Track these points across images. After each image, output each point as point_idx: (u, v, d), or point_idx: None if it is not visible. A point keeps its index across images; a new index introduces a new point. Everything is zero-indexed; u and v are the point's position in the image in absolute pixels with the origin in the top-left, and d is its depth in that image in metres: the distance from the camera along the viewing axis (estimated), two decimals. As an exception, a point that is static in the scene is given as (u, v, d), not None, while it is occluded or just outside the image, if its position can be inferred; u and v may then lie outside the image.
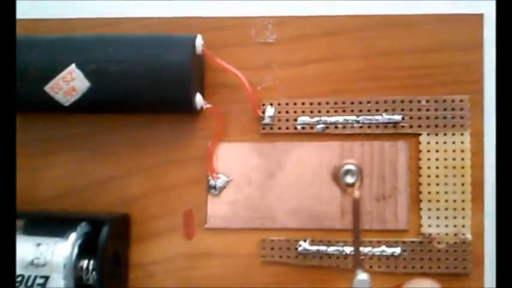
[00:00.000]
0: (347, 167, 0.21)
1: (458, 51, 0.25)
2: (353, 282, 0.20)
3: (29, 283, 0.22)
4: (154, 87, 0.23)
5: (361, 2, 0.26)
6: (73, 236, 0.23)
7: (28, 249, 0.23)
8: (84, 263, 0.23)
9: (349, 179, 0.21)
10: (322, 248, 0.25)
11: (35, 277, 0.22)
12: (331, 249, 0.25)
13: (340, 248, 0.25)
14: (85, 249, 0.23)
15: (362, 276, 0.20)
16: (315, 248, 0.25)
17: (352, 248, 0.24)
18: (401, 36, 0.25)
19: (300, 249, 0.25)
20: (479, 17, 0.25)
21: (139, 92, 0.23)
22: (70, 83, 0.23)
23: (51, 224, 0.24)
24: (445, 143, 0.25)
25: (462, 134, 0.25)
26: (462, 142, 0.25)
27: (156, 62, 0.23)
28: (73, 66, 0.23)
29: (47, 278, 0.22)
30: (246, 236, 0.25)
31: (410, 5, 0.25)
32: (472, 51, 0.25)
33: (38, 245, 0.23)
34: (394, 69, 0.25)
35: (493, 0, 0.25)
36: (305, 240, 0.25)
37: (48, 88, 0.23)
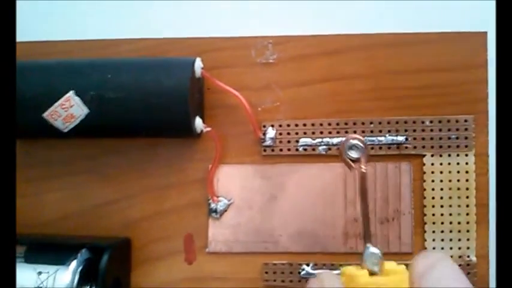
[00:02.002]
0: (351, 141, 0.21)
1: (462, 71, 0.25)
2: (364, 256, 0.19)
3: (31, 313, 0.22)
4: (154, 112, 0.23)
5: (362, 21, 0.25)
6: (74, 263, 0.23)
7: (29, 278, 0.22)
8: (86, 289, 0.23)
9: (354, 154, 0.21)
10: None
11: (37, 307, 0.22)
12: (334, 273, 0.24)
13: (343, 272, 0.24)
14: (86, 276, 0.23)
15: (373, 249, 0.20)
16: (318, 272, 0.24)
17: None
18: (403, 55, 0.25)
19: (302, 273, 0.24)
20: (483, 35, 0.24)
21: (138, 117, 0.23)
22: (68, 110, 0.23)
23: (51, 251, 0.23)
24: (449, 164, 0.24)
25: (466, 155, 0.24)
26: (467, 163, 0.24)
27: (155, 87, 0.23)
28: (71, 93, 0.23)
29: (48, 307, 0.22)
30: (248, 260, 0.25)
31: (413, 23, 0.25)
32: (475, 70, 0.24)
33: (39, 273, 0.23)
34: (397, 89, 0.25)
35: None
36: (308, 264, 0.24)
37: (46, 115, 0.23)
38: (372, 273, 0.19)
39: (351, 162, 0.21)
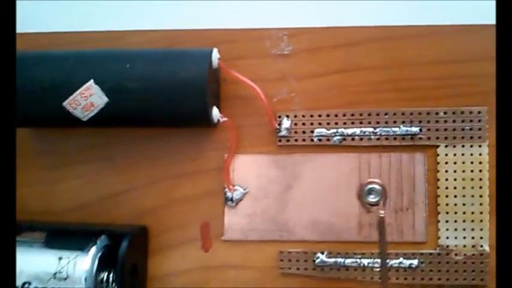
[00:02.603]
0: (370, 186, 0.22)
1: (475, 62, 0.25)
2: None
3: (52, 297, 0.22)
4: (172, 102, 0.23)
5: (376, 13, 0.26)
6: (93, 249, 0.23)
7: (50, 263, 0.23)
8: (104, 275, 0.24)
9: (372, 198, 0.22)
10: (340, 260, 0.25)
11: (58, 291, 0.23)
12: (348, 261, 0.25)
13: (357, 260, 0.25)
14: (105, 262, 0.24)
15: None
16: (332, 260, 0.25)
17: (370, 260, 0.25)
18: (417, 47, 0.25)
19: (317, 261, 0.25)
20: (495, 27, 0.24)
21: (156, 107, 0.23)
22: (88, 99, 0.23)
23: (71, 238, 0.24)
24: (463, 154, 0.24)
25: (480, 146, 0.24)
26: (480, 154, 0.24)
27: (173, 77, 0.23)
28: (91, 82, 0.23)
29: (69, 291, 0.23)
30: (264, 248, 0.25)
31: (426, 15, 0.25)
32: (489, 62, 0.24)
33: (60, 258, 0.23)
34: (411, 81, 0.25)
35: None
36: (322, 253, 0.25)
37: (66, 103, 0.23)
38: None
39: (369, 207, 0.22)
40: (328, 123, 0.25)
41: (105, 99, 0.23)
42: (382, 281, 0.21)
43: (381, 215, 0.21)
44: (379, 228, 0.21)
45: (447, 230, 0.24)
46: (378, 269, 0.24)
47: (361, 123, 0.25)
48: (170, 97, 0.23)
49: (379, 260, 0.22)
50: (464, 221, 0.24)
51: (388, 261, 0.21)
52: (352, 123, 0.25)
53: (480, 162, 0.24)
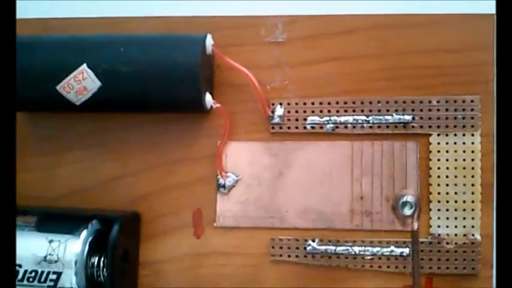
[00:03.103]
0: (405, 198, 0.22)
1: (470, 52, 0.25)
2: None
3: (42, 279, 0.22)
4: (165, 87, 0.23)
5: (370, 2, 0.26)
6: (84, 233, 0.23)
7: (41, 246, 0.23)
8: (95, 259, 0.24)
9: (407, 211, 0.22)
10: (331, 247, 0.25)
11: (48, 273, 0.23)
12: (339, 249, 0.25)
13: (349, 248, 0.25)
14: (96, 247, 0.24)
15: None
16: (323, 247, 0.25)
17: (361, 248, 0.25)
18: (411, 36, 0.25)
19: (308, 248, 0.25)
20: (491, 17, 0.25)
21: (149, 91, 0.23)
22: (81, 83, 0.23)
23: (63, 221, 0.24)
24: (455, 143, 0.24)
25: (473, 135, 0.24)
26: (473, 143, 0.24)
27: (166, 62, 0.23)
28: (84, 66, 0.23)
29: (59, 274, 0.23)
30: (255, 235, 0.25)
31: (421, 4, 0.25)
32: (483, 51, 0.25)
33: (50, 241, 0.23)
34: (404, 69, 0.25)
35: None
36: (314, 240, 0.25)
37: (60, 87, 0.23)
38: None
39: (404, 219, 0.22)
40: (321, 111, 0.25)
41: (98, 83, 0.23)
42: None
43: (415, 228, 0.21)
44: (413, 240, 0.22)
45: (439, 218, 0.24)
46: (368, 257, 0.24)
47: (354, 111, 0.25)
48: (163, 81, 0.23)
49: (411, 271, 0.22)
50: (455, 210, 0.24)
51: (419, 272, 0.21)
52: (345, 111, 0.25)
53: (472, 151, 0.24)
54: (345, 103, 0.25)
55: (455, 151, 0.24)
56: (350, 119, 0.25)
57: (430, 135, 0.25)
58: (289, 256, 0.25)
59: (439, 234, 0.24)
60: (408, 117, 0.25)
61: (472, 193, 0.24)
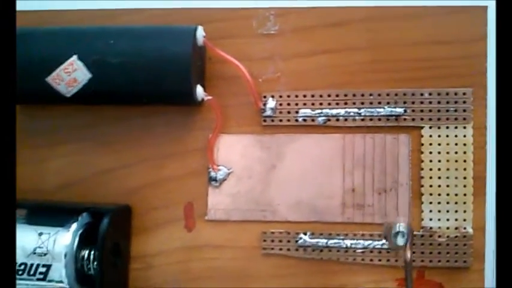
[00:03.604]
0: (397, 228, 0.22)
1: (462, 44, 0.25)
2: None
3: (32, 271, 0.22)
4: (155, 78, 0.23)
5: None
6: (74, 225, 0.23)
7: (30, 239, 0.23)
8: (85, 252, 0.23)
9: (400, 241, 0.22)
10: (322, 241, 0.25)
11: (37, 265, 0.22)
12: (331, 242, 0.25)
13: (340, 241, 0.25)
14: (86, 240, 0.24)
15: None
16: (314, 240, 0.25)
17: (352, 241, 0.25)
18: (404, 28, 0.25)
19: (300, 241, 0.25)
20: (483, 9, 0.24)
21: (140, 83, 0.23)
22: (71, 74, 0.23)
23: (52, 214, 0.24)
24: (447, 136, 0.24)
25: (465, 127, 0.24)
26: (465, 135, 0.24)
27: (157, 53, 0.23)
28: (74, 57, 0.23)
29: (48, 266, 0.22)
30: (247, 228, 0.25)
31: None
32: (475, 44, 0.25)
33: (40, 234, 0.23)
34: (396, 62, 0.25)
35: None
36: (305, 233, 0.25)
37: (50, 79, 0.23)
38: None
39: (396, 248, 0.22)
40: (312, 104, 0.25)
41: (88, 75, 0.23)
42: None
43: (408, 258, 0.21)
44: (406, 270, 0.22)
45: (431, 211, 0.24)
46: (360, 251, 0.24)
47: (345, 103, 0.25)
48: (154, 73, 0.23)
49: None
50: (447, 203, 0.24)
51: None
52: (337, 103, 0.25)
53: (464, 144, 0.24)
54: (337, 96, 0.25)
55: (448, 144, 0.24)
56: (342, 111, 0.25)
57: (422, 127, 0.25)
58: (280, 249, 0.25)
59: (431, 228, 0.24)
60: (400, 110, 0.25)
61: (464, 186, 0.24)
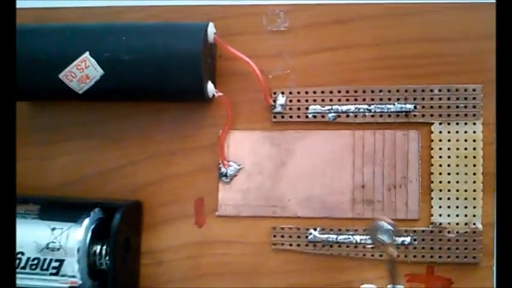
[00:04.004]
0: (381, 225, 0.22)
1: (472, 40, 0.25)
2: None
3: (45, 266, 0.23)
4: (166, 75, 0.23)
5: (373, -10, 0.26)
6: (87, 221, 0.23)
7: (43, 234, 0.23)
8: (98, 248, 0.24)
9: (386, 239, 0.22)
10: (332, 236, 0.25)
11: (50, 260, 0.23)
12: (341, 237, 0.25)
13: (350, 237, 0.25)
14: (98, 235, 0.24)
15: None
16: (324, 236, 0.25)
17: (362, 237, 0.25)
18: (413, 24, 0.25)
19: (310, 237, 0.25)
20: (493, 6, 0.24)
21: (151, 80, 0.23)
22: (84, 71, 0.23)
23: (65, 210, 0.24)
24: (457, 132, 0.24)
25: (474, 124, 0.24)
26: (474, 132, 0.24)
27: (168, 50, 0.23)
28: (87, 54, 0.23)
29: (61, 261, 0.23)
30: (257, 224, 0.25)
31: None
32: (485, 40, 0.25)
33: (53, 229, 0.23)
34: (406, 58, 0.25)
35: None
36: (315, 229, 0.25)
37: (62, 75, 0.23)
38: None
39: (380, 245, 0.22)
40: (322, 100, 0.25)
41: (101, 72, 0.23)
42: None
43: (393, 255, 0.21)
44: (390, 267, 0.22)
45: (440, 207, 0.24)
46: (369, 247, 0.25)
47: (355, 100, 0.25)
48: (165, 70, 0.23)
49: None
50: (457, 199, 0.24)
51: None
52: (347, 100, 0.25)
53: (474, 140, 0.24)
54: (347, 92, 0.25)
55: (457, 140, 0.24)
56: (352, 108, 0.25)
57: (432, 124, 0.25)
58: (290, 245, 0.25)
59: (440, 223, 0.24)
60: (410, 106, 0.25)
61: (474, 182, 0.24)
